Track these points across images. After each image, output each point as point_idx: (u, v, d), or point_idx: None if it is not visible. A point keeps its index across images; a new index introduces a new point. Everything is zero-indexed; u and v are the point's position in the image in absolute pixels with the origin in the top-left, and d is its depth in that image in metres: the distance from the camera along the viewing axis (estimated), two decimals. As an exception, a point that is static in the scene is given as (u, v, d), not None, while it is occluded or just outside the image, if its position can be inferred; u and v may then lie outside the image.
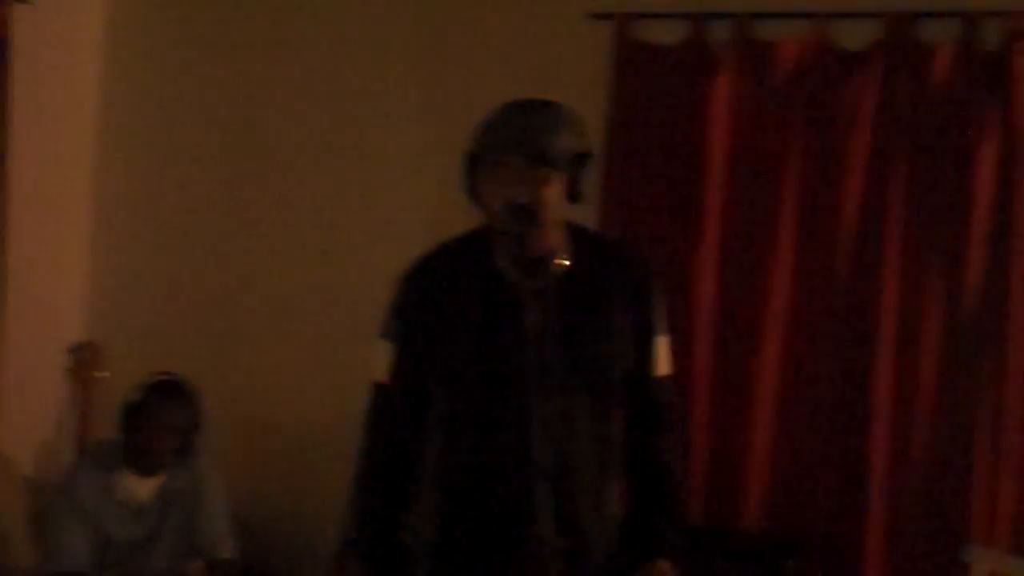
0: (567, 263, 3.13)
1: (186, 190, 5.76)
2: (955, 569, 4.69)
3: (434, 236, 3.33)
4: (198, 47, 5.76)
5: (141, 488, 4.71)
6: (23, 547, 5.00)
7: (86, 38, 5.78)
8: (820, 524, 5.03)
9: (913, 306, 4.95)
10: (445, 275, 3.21)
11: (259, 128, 5.68)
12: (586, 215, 4.80)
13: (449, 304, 3.16)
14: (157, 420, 4.65)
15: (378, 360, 3.26)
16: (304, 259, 5.63)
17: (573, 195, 3.10)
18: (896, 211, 4.96)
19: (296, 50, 5.66)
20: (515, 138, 3.00)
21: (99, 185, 5.80)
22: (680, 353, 4.85)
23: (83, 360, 5.49)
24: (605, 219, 5.17)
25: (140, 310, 5.78)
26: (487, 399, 3.13)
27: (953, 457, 4.91)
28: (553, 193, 3.03)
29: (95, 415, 5.41)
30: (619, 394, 3.20)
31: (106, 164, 5.80)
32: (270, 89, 5.67)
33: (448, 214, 3.30)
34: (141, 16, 5.79)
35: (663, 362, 3.26)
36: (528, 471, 2.88)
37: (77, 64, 5.74)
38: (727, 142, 5.14)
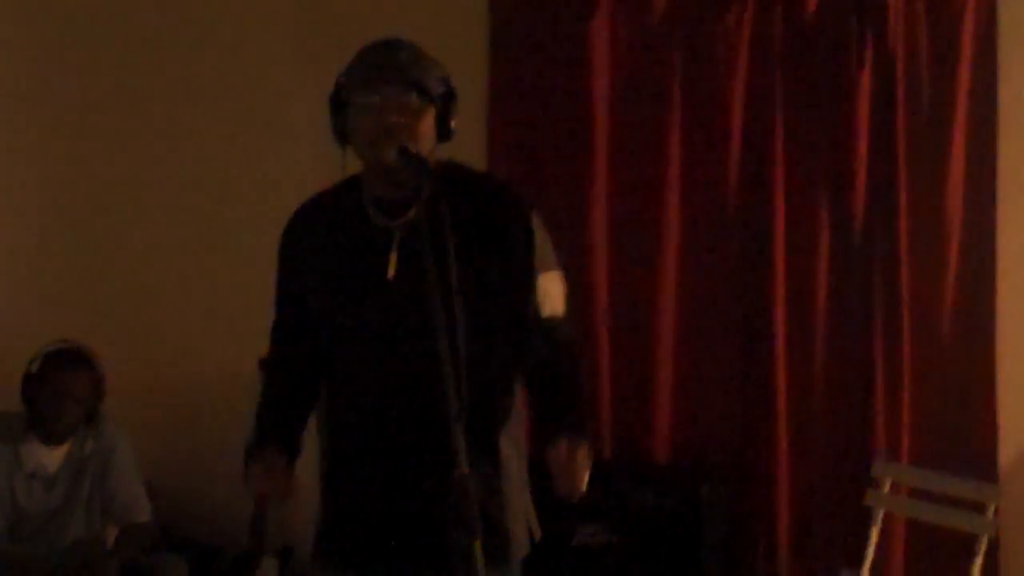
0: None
1: (69, 156, 5.65)
2: (861, 483, 4.77)
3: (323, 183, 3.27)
4: (72, 19, 5.64)
5: (49, 458, 4.65)
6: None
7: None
8: (728, 451, 5.14)
9: (804, 232, 5.07)
10: (317, 222, 3.16)
11: (140, 85, 5.58)
12: (474, 161, 4.86)
13: (320, 251, 3.12)
14: (60, 388, 4.59)
15: None
16: (193, 217, 5.55)
17: (443, 133, 3.04)
18: (779, 144, 5.07)
19: (170, 18, 5.58)
20: (387, 67, 2.95)
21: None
22: (576, 292, 4.98)
23: (-27, 335, 5.44)
24: (492, 162, 5.21)
25: (29, 280, 5.67)
26: (359, 346, 3.07)
27: (853, 374, 5.05)
28: (426, 125, 2.99)
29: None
30: (499, 333, 3.08)
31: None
32: (148, 44, 5.59)
33: (330, 169, 3.17)
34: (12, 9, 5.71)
35: (554, 301, 3.11)
36: (434, 415, 2.73)
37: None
38: (609, 82, 5.20)
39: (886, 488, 4.71)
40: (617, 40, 5.18)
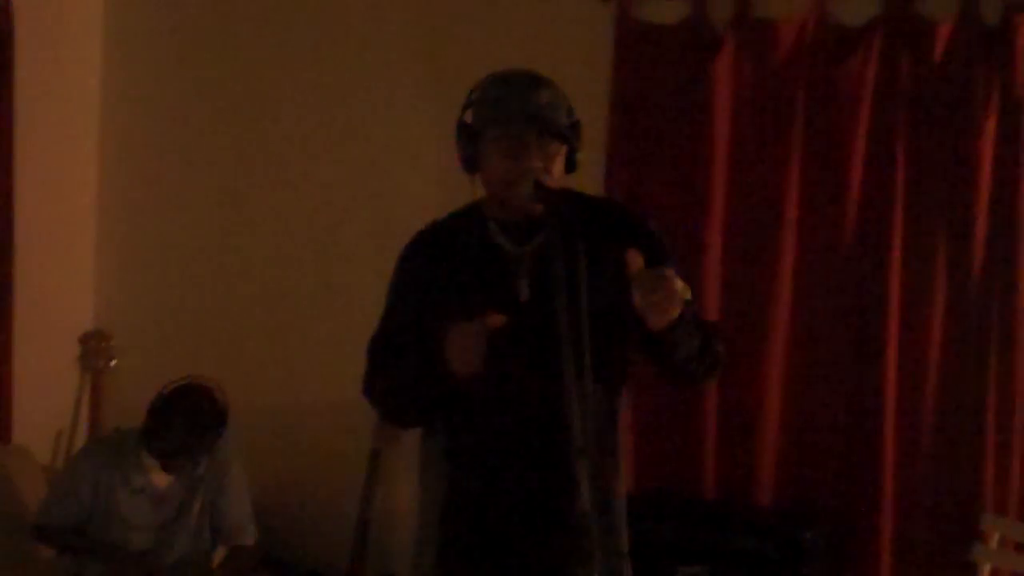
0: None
1: (190, 178, 5.74)
2: (969, 538, 4.71)
3: (444, 209, 3.27)
4: (199, 36, 5.75)
5: (160, 476, 4.70)
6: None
7: (88, 28, 5.76)
8: (832, 497, 5.08)
9: (920, 281, 4.97)
10: (440, 247, 3.14)
11: (261, 116, 5.66)
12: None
13: (445, 275, 3.09)
14: (184, 431, 4.60)
15: None
16: (310, 245, 5.62)
17: (571, 165, 3.06)
18: (899, 189, 4.96)
19: (296, 38, 5.64)
20: (527, 109, 2.93)
21: (104, 174, 5.79)
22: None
23: (93, 349, 5.52)
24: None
25: (147, 298, 5.78)
26: (489, 372, 2.95)
27: (963, 426, 4.95)
28: (559, 164, 3.00)
29: (107, 403, 5.43)
30: (623, 359, 3.12)
31: (110, 154, 5.79)
32: (272, 76, 5.65)
33: (453, 197, 3.20)
34: (141, 3, 5.78)
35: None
36: (558, 447, 2.72)
37: (80, 54, 5.72)
38: (729, 121, 5.14)
39: (993, 543, 4.65)
40: (741, 78, 5.13)
